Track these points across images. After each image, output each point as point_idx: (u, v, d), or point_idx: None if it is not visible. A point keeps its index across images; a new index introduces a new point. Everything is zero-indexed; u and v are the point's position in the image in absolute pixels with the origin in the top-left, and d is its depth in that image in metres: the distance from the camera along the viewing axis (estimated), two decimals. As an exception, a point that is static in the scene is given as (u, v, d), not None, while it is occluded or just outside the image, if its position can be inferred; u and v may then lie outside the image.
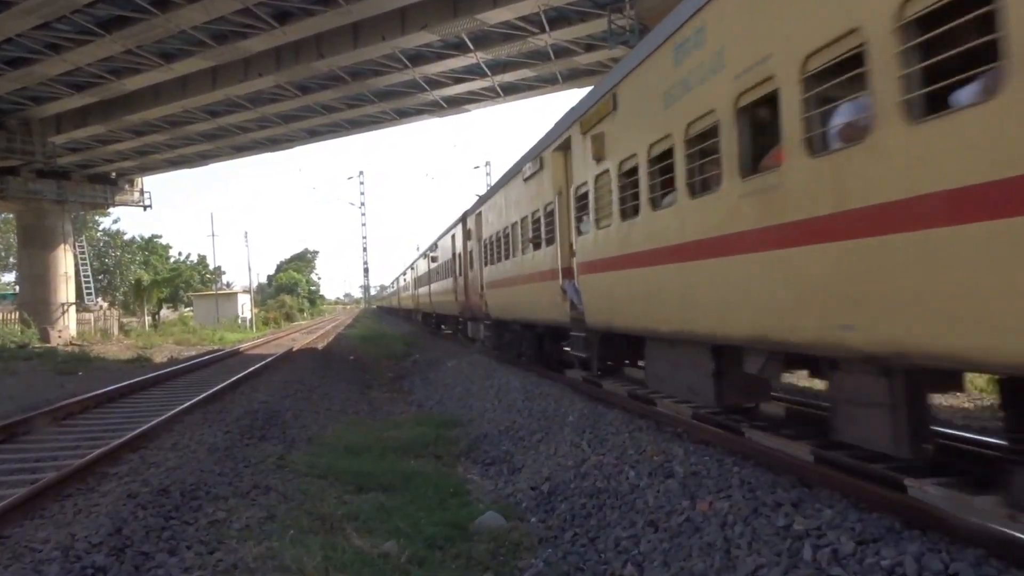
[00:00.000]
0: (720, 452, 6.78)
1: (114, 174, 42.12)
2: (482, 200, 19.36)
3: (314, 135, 36.59)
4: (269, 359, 22.97)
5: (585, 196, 9.80)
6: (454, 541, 6.28)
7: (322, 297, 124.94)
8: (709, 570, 4.76)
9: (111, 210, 53.70)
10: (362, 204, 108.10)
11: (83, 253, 47.62)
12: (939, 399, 9.44)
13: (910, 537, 4.29)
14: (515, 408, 11.65)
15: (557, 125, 11.54)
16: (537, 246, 12.75)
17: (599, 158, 8.97)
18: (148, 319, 54.11)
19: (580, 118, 9.93)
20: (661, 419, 8.53)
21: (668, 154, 7.09)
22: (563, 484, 7.45)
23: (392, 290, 76.09)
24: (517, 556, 6.03)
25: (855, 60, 4.47)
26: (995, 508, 4.38)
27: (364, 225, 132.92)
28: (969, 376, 6.83)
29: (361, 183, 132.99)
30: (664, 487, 6.22)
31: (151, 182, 55.89)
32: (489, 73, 26.93)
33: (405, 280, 51.77)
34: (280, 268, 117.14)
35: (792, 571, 4.30)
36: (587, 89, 11.05)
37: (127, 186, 43.60)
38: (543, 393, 11.82)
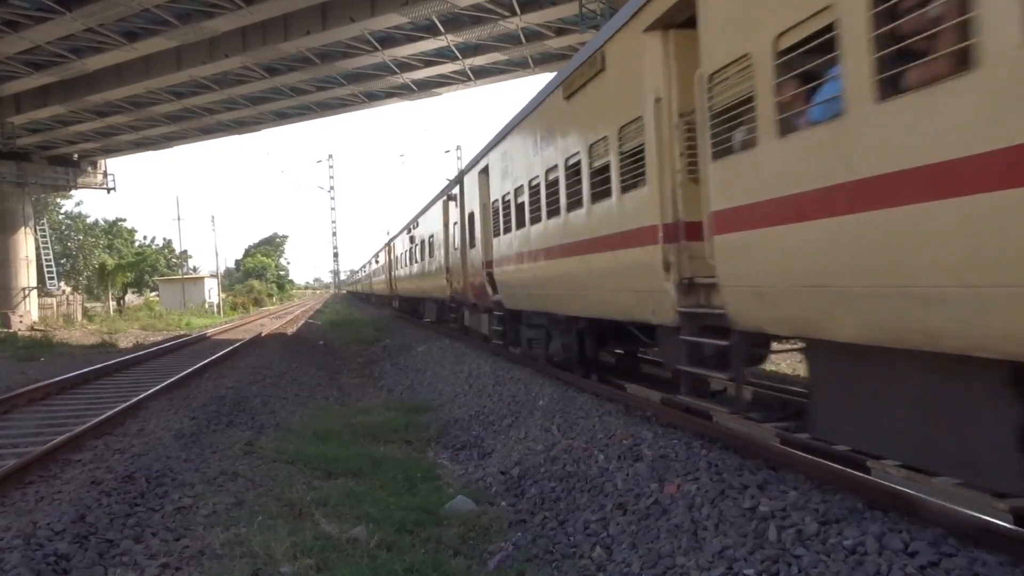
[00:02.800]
0: (688, 435, 6.85)
1: (76, 156, 41.18)
2: None
3: (282, 118, 36.06)
4: (237, 344, 22.73)
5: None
6: (424, 525, 6.28)
7: (291, 282, 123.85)
8: (677, 551, 4.82)
9: (73, 193, 52.67)
10: (331, 188, 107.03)
11: (44, 237, 46.61)
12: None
13: (872, 517, 4.38)
14: (485, 393, 11.67)
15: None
16: None
17: None
18: (112, 304, 53.25)
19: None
20: (630, 403, 8.59)
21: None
22: (533, 468, 7.49)
23: (372, 269, 55.70)
24: (487, 540, 6.05)
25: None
26: (954, 488, 4.48)
27: (334, 209, 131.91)
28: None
29: (330, 167, 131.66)
30: (633, 470, 6.28)
31: (115, 164, 54.73)
32: (460, 56, 26.71)
33: (406, 246, 30.09)
34: (248, 252, 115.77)
35: (757, 551, 4.36)
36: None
37: (90, 168, 42.64)
38: (513, 378, 11.85)
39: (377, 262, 49.92)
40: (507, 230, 12.76)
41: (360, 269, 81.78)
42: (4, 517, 6.08)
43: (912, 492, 4.55)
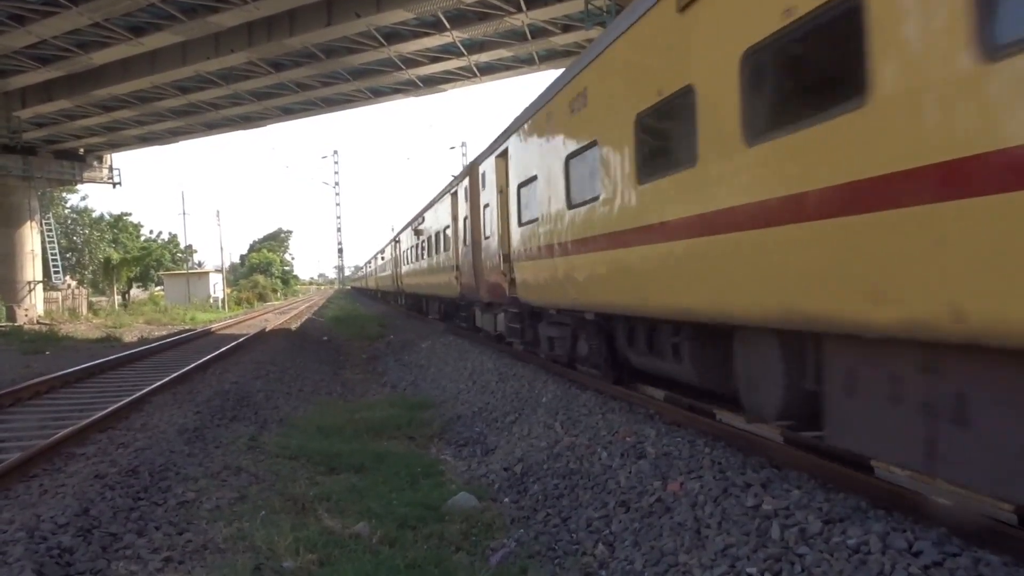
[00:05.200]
0: (692, 433, 6.83)
1: (82, 150, 41.30)
2: None
3: (288, 113, 36.11)
4: (241, 339, 22.76)
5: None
6: (426, 521, 6.28)
7: (296, 277, 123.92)
8: (679, 549, 4.81)
9: (79, 187, 52.91)
10: (336, 184, 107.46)
11: (50, 231, 46.76)
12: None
13: (876, 516, 4.37)
14: (489, 389, 11.66)
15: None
16: None
17: None
18: (117, 298, 53.40)
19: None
20: (634, 400, 8.57)
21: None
22: (536, 465, 7.48)
23: (403, 250, 33.42)
24: (489, 536, 6.05)
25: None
26: (959, 489, 4.46)
27: (338, 205, 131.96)
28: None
29: (335, 162, 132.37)
30: (636, 468, 6.27)
31: (121, 159, 54.81)
32: (465, 53, 26.71)
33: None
34: (253, 248, 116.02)
35: (760, 550, 4.35)
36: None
37: (96, 163, 42.76)
38: (517, 375, 11.84)
39: (417, 234, 25.38)
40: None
41: (376, 256, 54.28)
42: (8, 510, 6.10)
43: (916, 492, 4.53)
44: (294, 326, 32.71)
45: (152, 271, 66.91)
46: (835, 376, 4.77)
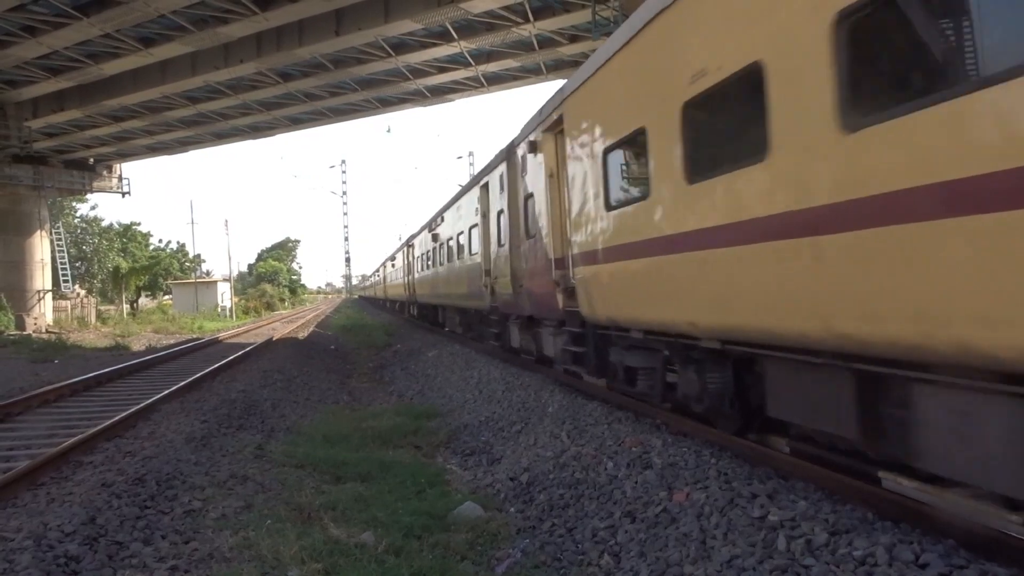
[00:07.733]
0: (698, 444, 6.82)
1: (92, 160, 41.57)
2: None
3: (296, 123, 36.26)
4: (249, 348, 22.81)
5: None
6: (432, 531, 6.27)
7: (303, 286, 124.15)
8: (685, 560, 4.79)
9: (89, 196, 53.20)
10: (344, 193, 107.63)
11: (60, 240, 47.05)
12: None
13: (882, 528, 4.35)
14: (495, 399, 11.66)
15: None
16: None
17: None
18: (126, 307, 53.62)
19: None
20: (640, 410, 8.56)
21: None
22: (542, 475, 7.46)
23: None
24: (495, 546, 6.04)
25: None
26: (966, 500, 4.43)
27: (346, 214, 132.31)
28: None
29: (343, 172, 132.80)
30: (642, 478, 6.25)
31: (130, 169, 55.07)
32: (473, 63, 26.81)
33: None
34: (261, 257, 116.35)
35: (766, 561, 4.33)
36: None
37: (105, 172, 43.02)
38: (523, 384, 11.83)
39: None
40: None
41: (404, 249, 35.21)
42: (16, 518, 6.12)
43: (923, 503, 4.51)
44: (302, 335, 32.76)
45: (160, 280, 67.11)
46: None
